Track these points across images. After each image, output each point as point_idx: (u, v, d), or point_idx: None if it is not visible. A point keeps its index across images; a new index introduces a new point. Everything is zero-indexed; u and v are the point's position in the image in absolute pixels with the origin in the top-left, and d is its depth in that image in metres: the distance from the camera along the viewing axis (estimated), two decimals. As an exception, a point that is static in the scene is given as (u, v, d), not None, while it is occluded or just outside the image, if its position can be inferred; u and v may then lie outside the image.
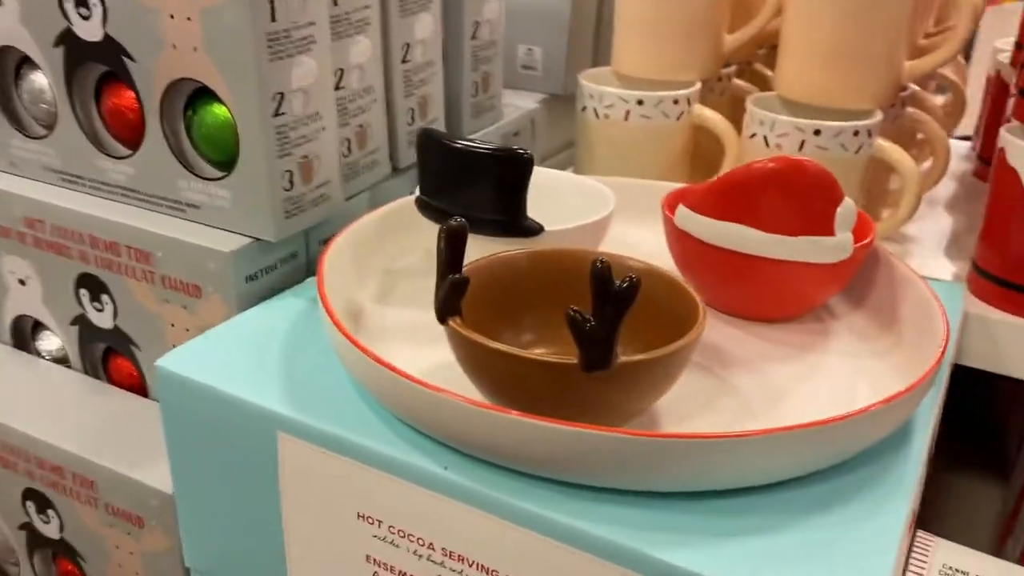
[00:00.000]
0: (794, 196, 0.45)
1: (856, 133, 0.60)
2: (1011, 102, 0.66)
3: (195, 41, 0.47)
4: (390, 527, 0.40)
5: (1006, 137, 0.58)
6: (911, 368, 0.44)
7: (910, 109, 0.69)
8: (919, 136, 0.78)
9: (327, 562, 0.43)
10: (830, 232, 0.46)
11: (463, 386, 0.39)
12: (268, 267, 0.52)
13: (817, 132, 0.60)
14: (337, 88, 0.53)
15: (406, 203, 0.56)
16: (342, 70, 0.53)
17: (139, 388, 0.58)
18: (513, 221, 0.47)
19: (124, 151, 0.53)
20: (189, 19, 0.46)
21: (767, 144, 0.62)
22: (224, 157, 0.50)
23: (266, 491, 0.43)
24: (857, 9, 0.60)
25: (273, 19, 0.46)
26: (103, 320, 0.57)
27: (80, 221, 0.54)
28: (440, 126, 0.65)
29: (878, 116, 0.62)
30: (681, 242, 0.49)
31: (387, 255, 0.55)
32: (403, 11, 0.57)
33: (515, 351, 0.36)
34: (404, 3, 0.57)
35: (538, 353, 0.36)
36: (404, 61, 0.59)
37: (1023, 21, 0.75)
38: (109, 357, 0.59)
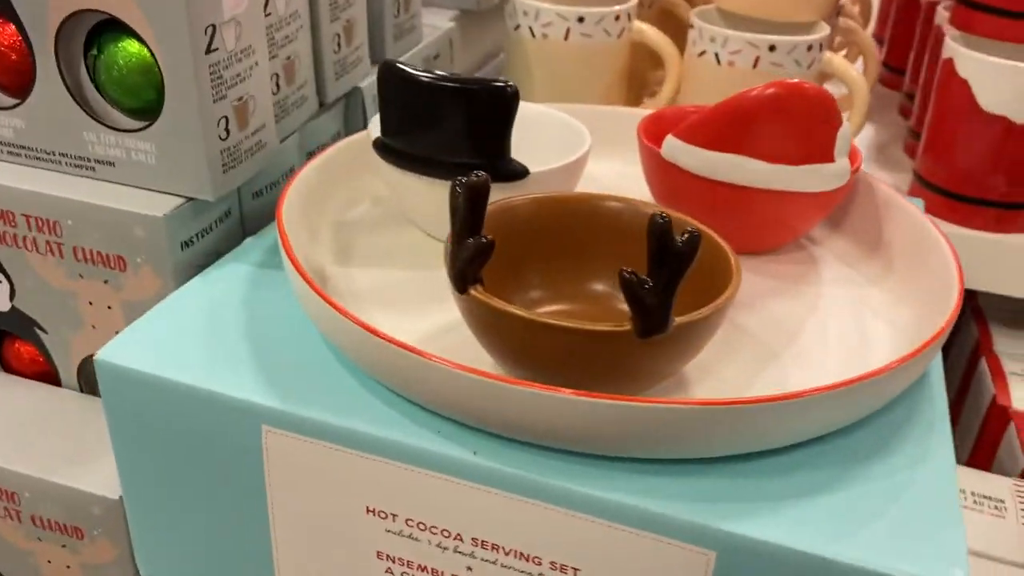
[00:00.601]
0: (793, 122, 0.43)
1: (810, 48, 0.58)
2: (944, 11, 0.66)
3: (99, -37, 0.38)
4: (407, 520, 0.36)
5: (953, 47, 0.57)
6: (913, 293, 0.43)
7: (841, 18, 0.68)
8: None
9: (326, 560, 0.39)
10: (828, 157, 0.43)
11: (471, 356, 0.35)
12: (204, 230, 0.45)
13: (772, 48, 0.57)
14: (264, 15, 0.46)
15: (349, 146, 0.50)
16: (268, -7, 0.46)
17: (47, 376, 0.50)
18: (495, 165, 0.42)
19: (9, 100, 0.44)
20: (88, -65, 0.38)
21: (718, 62, 0.59)
22: (140, 104, 0.42)
23: (245, 489, 0.38)
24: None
25: (200, -66, 0.38)
26: (-4, 302, 0.48)
27: (-43, 187, 0.44)
28: (364, 52, 0.58)
29: (826, 28, 0.60)
30: (668, 175, 0.46)
31: (335, 207, 0.49)
32: (326, -79, 0.50)
33: (562, 323, 0.32)
34: (327, -89, 0.50)
35: (577, 320, 0.32)
36: (329, -20, 0.51)
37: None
38: (4, 342, 0.50)
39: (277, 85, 0.49)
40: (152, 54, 0.40)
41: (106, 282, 0.44)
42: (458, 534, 0.35)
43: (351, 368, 0.38)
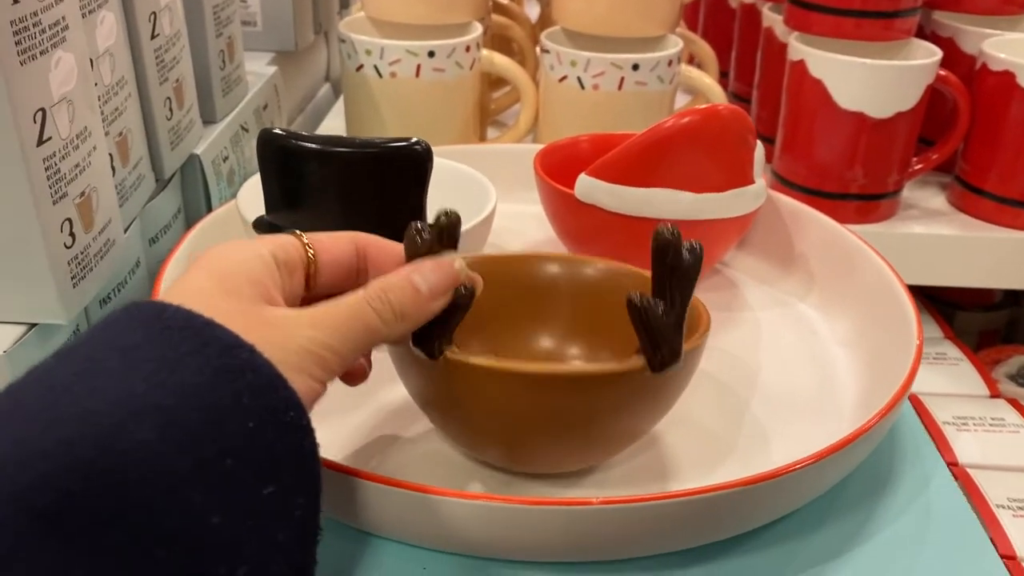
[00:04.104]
0: (713, 148, 0.40)
1: (670, 63, 0.57)
2: (771, 13, 0.67)
3: None
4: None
5: (804, 49, 0.58)
6: (844, 305, 0.43)
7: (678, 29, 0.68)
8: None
9: None
10: (747, 179, 0.42)
11: (395, 455, 0.30)
12: (53, 359, 0.36)
13: (635, 67, 0.56)
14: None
15: (211, 227, 0.42)
16: (91, 60, 0.38)
17: None
18: (411, 232, 0.37)
19: None
20: None
21: (582, 86, 0.56)
22: (-52, 216, 0.33)
23: None
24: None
25: (15, -1, 0.30)
26: None
27: None
28: (196, 114, 0.50)
29: (679, 41, 0.59)
30: (584, 215, 0.42)
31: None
32: (143, -32, 0.42)
33: (578, 369, 0.29)
34: (142, -43, 0.42)
35: (601, 365, 0.29)
36: (153, 36, 0.43)
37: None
38: None
39: (112, 168, 0.40)
40: (-39, 154, 0.31)
41: (-71, 447, 0.34)
42: None
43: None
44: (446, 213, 0.28)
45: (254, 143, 0.57)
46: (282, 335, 0.24)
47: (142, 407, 0.20)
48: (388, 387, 0.36)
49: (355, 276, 0.29)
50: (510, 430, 0.30)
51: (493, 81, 0.70)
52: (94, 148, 0.36)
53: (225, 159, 0.53)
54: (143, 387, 0.21)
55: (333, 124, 0.72)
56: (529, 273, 0.36)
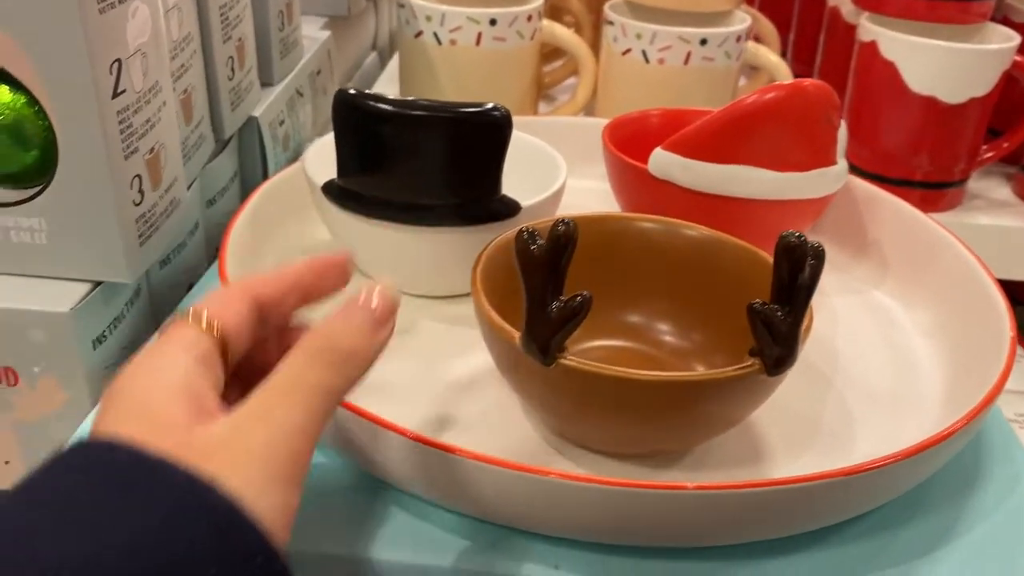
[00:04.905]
0: (796, 125, 0.39)
1: (738, 38, 0.55)
2: (841, -9, 0.65)
3: (-46, -13, 0.28)
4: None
5: (876, 30, 0.56)
6: (923, 294, 0.41)
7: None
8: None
9: None
10: (830, 159, 0.40)
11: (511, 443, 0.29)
12: (115, 320, 0.35)
13: (703, 42, 0.54)
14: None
15: (272, 192, 0.41)
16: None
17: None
18: (485, 202, 0.36)
19: None
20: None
21: (647, 60, 0.55)
22: (16, 168, 0.32)
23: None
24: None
25: (97, -57, 0.29)
26: None
27: None
28: (255, 76, 0.49)
29: (747, 17, 0.57)
30: (656, 191, 0.41)
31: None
32: (212, -79, 0.41)
33: (695, 376, 0.29)
34: (211, -91, 0.40)
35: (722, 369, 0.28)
36: (219, -8, 0.42)
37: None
38: None
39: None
40: (34, 102, 0.30)
41: (-10, 403, 0.34)
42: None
43: (370, 486, 0.30)
44: (564, 222, 0.26)
45: (308, 108, 0.56)
46: (239, 453, 0.20)
47: (82, 567, 0.17)
48: (459, 362, 0.35)
49: (261, 325, 0.25)
50: (614, 423, 0.29)
51: (546, 53, 0.69)
52: (164, 104, 0.35)
53: (281, 123, 0.52)
54: (88, 545, 0.18)
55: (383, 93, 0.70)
56: (622, 235, 0.36)
